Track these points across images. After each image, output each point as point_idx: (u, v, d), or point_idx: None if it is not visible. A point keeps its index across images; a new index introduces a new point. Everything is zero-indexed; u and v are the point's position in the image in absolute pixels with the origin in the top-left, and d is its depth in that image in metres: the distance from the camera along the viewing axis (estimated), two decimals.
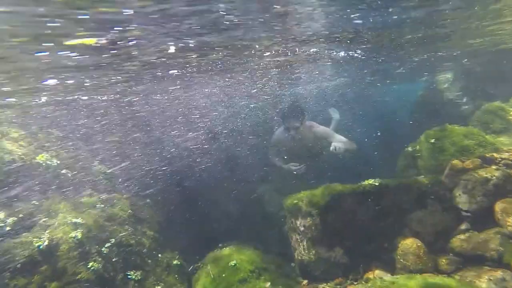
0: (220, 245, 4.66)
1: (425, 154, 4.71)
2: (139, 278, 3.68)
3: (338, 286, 4.04)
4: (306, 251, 4.30)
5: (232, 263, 4.10)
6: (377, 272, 3.89)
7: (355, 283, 4.00)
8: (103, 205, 4.20)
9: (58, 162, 4.28)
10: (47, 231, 3.37)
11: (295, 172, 5.03)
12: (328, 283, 4.11)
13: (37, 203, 3.77)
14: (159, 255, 4.25)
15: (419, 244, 3.76)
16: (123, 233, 3.98)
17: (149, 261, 4.03)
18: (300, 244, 4.34)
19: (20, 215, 3.41)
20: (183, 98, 6.42)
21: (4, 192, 3.54)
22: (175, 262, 4.33)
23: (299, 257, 4.37)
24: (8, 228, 3.18)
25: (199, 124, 6.81)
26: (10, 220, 3.26)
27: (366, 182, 4.24)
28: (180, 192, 5.20)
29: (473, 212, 3.75)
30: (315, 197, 4.34)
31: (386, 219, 4.12)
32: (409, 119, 8.83)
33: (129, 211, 4.37)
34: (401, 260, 3.75)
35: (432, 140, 4.59)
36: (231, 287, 3.87)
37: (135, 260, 3.88)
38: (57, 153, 4.42)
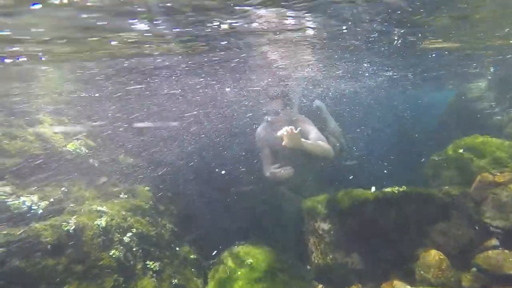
0: (236, 242, 4.70)
1: (453, 164, 4.55)
2: (158, 269, 3.77)
3: None
4: (323, 255, 4.27)
5: (248, 261, 4.13)
6: (395, 282, 3.80)
7: None
8: (126, 196, 4.33)
9: (87, 151, 4.45)
10: (74, 217, 3.50)
11: (280, 177, 4.05)
12: None
13: (66, 189, 3.92)
14: (177, 248, 4.33)
15: (441, 257, 3.65)
16: (144, 224, 4.08)
17: (167, 253, 4.12)
18: (317, 247, 4.31)
19: (51, 200, 3.56)
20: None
21: (37, 177, 3.72)
22: (192, 256, 4.41)
23: (316, 260, 4.34)
24: (40, 211, 3.33)
25: (222, 120, 6.86)
26: (42, 203, 3.42)
27: (388, 189, 4.16)
28: (200, 187, 5.27)
29: (503, 228, 3.59)
30: (335, 201, 4.30)
31: (407, 228, 4.02)
32: (436, 128, 8.57)
33: (151, 202, 4.48)
34: (422, 272, 3.65)
35: (461, 150, 4.44)
36: (246, 285, 3.89)
37: (154, 251, 3.98)
38: (86, 143, 4.59)
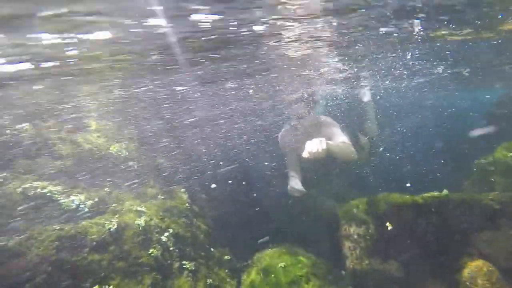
0: (270, 245, 4.70)
1: (501, 169, 4.26)
2: (193, 268, 3.87)
3: None
4: (359, 260, 4.16)
5: (282, 264, 4.11)
6: None
7: None
8: (163, 197, 4.50)
9: (127, 153, 4.69)
10: (116, 216, 3.70)
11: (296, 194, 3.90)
12: None
13: (109, 190, 4.15)
14: (212, 249, 4.42)
15: (491, 268, 3.41)
16: (180, 225, 4.22)
17: (202, 253, 4.22)
18: (353, 252, 4.20)
19: (96, 199, 3.79)
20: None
21: (83, 177, 3.97)
22: (226, 257, 4.48)
23: (351, 266, 4.23)
24: (86, 210, 3.56)
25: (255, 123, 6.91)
26: (88, 202, 3.65)
27: (428, 194, 3.97)
28: (234, 190, 5.35)
29: None
30: (372, 205, 4.18)
31: (449, 236, 3.81)
32: (480, 130, 8.05)
33: (186, 204, 4.61)
34: (468, 283, 3.43)
35: (511, 154, 4.15)
36: None
37: (190, 251, 4.09)
38: (126, 146, 4.83)
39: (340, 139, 3.87)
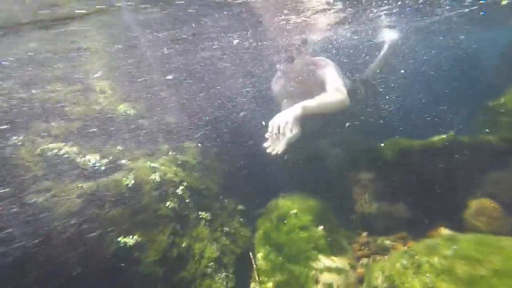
0: (281, 194, 4.87)
1: (511, 110, 4.23)
2: (209, 218, 4.08)
3: (399, 241, 4.06)
4: (367, 204, 4.33)
5: (294, 211, 4.30)
6: (442, 230, 3.79)
7: (417, 239, 3.98)
8: (174, 153, 4.60)
9: (136, 112, 4.72)
10: (131, 173, 3.83)
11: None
12: (389, 237, 4.15)
13: (121, 148, 4.25)
14: (225, 200, 4.61)
15: (494, 205, 3.55)
16: (193, 178, 4.37)
17: (216, 205, 4.42)
18: (361, 196, 4.37)
19: (110, 158, 3.90)
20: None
21: (96, 138, 4.05)
22: (239, 207, 4.69)
23: (360, 210, 4.43)
24: (103, 168, 3.69)
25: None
26: (103, 161, 3.76)
27: (436, 138, 4.01)
28: (244, 143, 5.44)
29: None
30: (379, 151, 4.25)
31: (457, 178, 3.91)
32: (493, 72, 7.82)
33: (197, 158, 4.74)
34: (472, 221, 3.59)
35: None
36: (292, 233, 4.10)
37: (205, 203, 4.28)
38: (134, 104, 4.85)
39: (331, 82, 3.59)
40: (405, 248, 3.62)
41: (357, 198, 4.47)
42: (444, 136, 3.94)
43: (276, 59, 3.91)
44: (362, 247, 4.16)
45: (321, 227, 4.04)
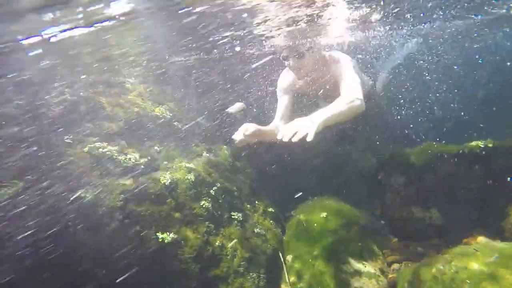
0: (310, 198, 4.92)
1: None
2: (241, 219, 4.18)
3: (432, 247, 3.99)
4: (399, 209, 4.29)
5: (323, 214, 4.33)
6: (479, 238, 3.71)
7: (451, 246, 3.90)
8: (208, 154, 4.75)
9: (171, 114, 4.92)
10: (168, 172, 4.00)
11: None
12: (421, 243, 4.09)
13: (158, 149, 4.44)
14: (256, 202, 4.71)
15: None
16: (226, 180, 4.49)
17: (248, 206, 4.52)
18: (393, 201, 4.33)
19: (148, 157, 4.09)
20: None
21: (135, 138, 4.26)
22: (270, 209, 4.76)
23: (391, 215, 4.38)
24: (142, 167, 3.88)
25: None
26: (142, 160, 3.95)
27: (473, 143, 3.94)
28: (274, 146, 5.52)
29: None
30: (412, 156, 4.21)
31: (495, 185, 3.81)
32: None
33: (229, 160, 4.87)
34: None
35: None
36: (322, 236, 4.13)
37: (236, 203, 4.39)
38: (170, 107, 5.06)
39: (348, 83, 3.15)
40: (440, 254, 3.57)
41: (388, 203, 4.44)
42: (481, 142, 3.86)
43: (284, 55, 3.44)
44: (393, 253, 4.12)
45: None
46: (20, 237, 2.78)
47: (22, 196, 2.95)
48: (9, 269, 2.69)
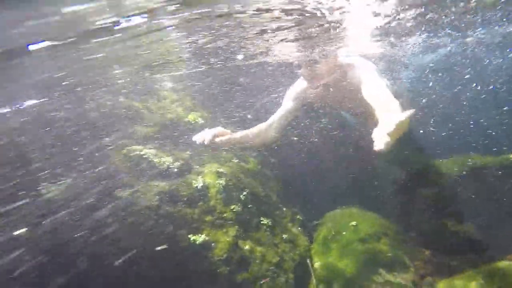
0: (338, 206, 4.88)
1: None
2: (270, 224, 4.22)
3: (467, 262, 3.85)
4: (431, 221, 4.18)
5: (353, 223, 4.29)
6: None
7: (489, 262, 3.74)
8: (238, 160, 4.85)
9: (203, 121, 5.08)
10: (200, 176, 4.12)
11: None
12: (455, 257, 3.95)
13: (190, 153, 4.59)
14: (284, 208, 4.73)
15: None
16: (255, 185, 4.56)
17: (277, 212, 4.55)
18: (425, 213, 4.23)
19: (181, 161, 4.24)
20: None
21: (169, 142, 4.44)
22: (298, 216, 4.77)
23: (423, 227, 4.28)
24: (175, 170, 4.02)
25: None
26: (175, 164, 4.11)
27: None
28: (302, 153, 5.56)
29: None
30: (446, 166, 4.12)
31: None
32: None
33: (259, 167, 4.94)
34: None
35: None
36: (351, 245, 4.09)
37: (265, 209, 4.43)
38: (202, 114, 5.23)
39: (377, 86, 2.72)
40: (476, 269, 3.43)
41: (420, 214, 4.34)
42: None
43: (296, 63, 3.26)
44: (426, 265, 4.00)
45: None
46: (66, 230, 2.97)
47: (69, 192, 3.16)
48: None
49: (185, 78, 6.01)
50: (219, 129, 3.06)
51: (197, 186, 3.94)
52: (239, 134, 3.26)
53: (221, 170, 4.41)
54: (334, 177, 5.32)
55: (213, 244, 3.60)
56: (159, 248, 3.11)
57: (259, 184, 4.68)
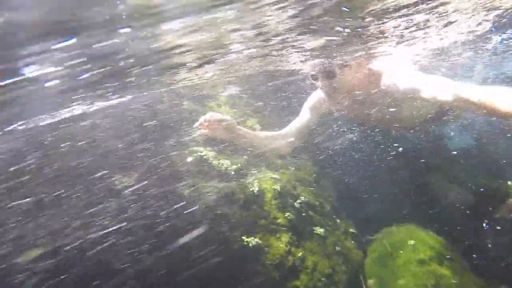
0: (395, 223, 4.66)
1: None
2: (323, 234, 4.15)
3: None
4: (502, 250, 3.80)
5: (411, 242, 4.06)
6: None
7: None
8: (293, 168, 4.87)
9: (260, 127, 5.19)
10: (256, 181, 4.21)
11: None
12: None
13: (247, 158, 4.71)
14: (338, 220, 4.63)
15: None
16: (309, 194, 4.53)
17: (330, 223, 4.47)
18: (495, 238, 3.86)
19: (238, 165, 4.37)
20: None
21: (227, 146, 4.60)
22: (351, 230, 4.64)
23: (491, 254, 3.90)
24: (232, 173, 4.16)
25: None
26: (233, 167, 4.25)
27: None
28: (357, 167, 5.41)
29: None
30: None
31: None
32: None
33: (314, 176, 4.91)
34: None
35: None
36: (409, 264, 3.87)
37: (319, 219, 4.38)
38: (259, 120, 5.35)
39: (411, 81, 2.37)
40: None
41: (490, 242, 3.97)
42: None
43: (312, 73, 2.81)
44: None
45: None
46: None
47: (136, 186, 3.44)
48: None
49: (244, 83, 6.20)
50: (217, 115, 2.89)
51: (253, 190, 4.03)
52: (263, 133, 3.38)
53: (276, 176, 4.46)
54: (392, 193, 5.09)
55: (266, 249, 3.65)
56: None
57: (313, 193, 4.65)
